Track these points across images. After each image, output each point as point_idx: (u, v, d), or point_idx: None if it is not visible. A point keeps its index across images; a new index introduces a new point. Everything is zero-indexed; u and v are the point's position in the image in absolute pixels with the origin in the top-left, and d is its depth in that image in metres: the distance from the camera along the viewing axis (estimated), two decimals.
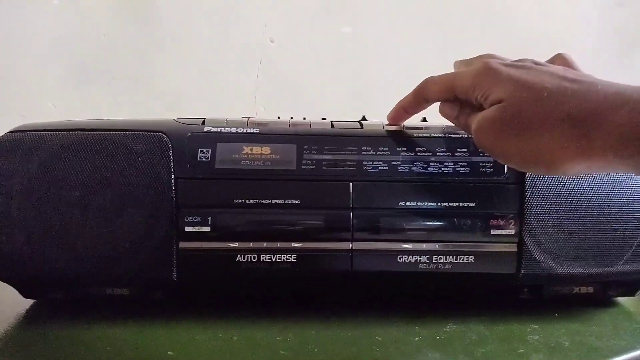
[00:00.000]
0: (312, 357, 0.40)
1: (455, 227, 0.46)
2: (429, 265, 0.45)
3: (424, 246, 0.45)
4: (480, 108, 0.39)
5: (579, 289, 0.50)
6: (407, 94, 0.47)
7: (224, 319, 0.45)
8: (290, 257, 0.45)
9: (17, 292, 0.47)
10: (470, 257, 0.46)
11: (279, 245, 0.45)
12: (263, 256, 0.44)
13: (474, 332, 0.44)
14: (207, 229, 0.44)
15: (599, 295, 0.50)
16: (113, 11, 0.79)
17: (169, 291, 0.47)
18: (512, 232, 0.46)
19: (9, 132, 0.46)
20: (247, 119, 0.49)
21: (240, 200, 0.45)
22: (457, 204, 0.46)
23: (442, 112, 0.46)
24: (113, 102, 0.75)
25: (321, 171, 0.46)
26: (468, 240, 0.46)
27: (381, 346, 0.41)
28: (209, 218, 0.44)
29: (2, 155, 0.45)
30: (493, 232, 0.46)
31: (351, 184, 0.46)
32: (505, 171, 0.47)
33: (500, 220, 0.46)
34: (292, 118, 0.51)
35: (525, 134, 0.36)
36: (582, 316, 0.48)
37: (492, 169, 0.47)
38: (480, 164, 0.47)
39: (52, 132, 0.46)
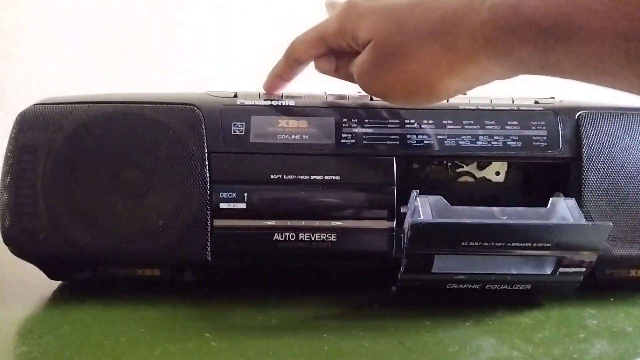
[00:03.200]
0: (357, 340, 0.37)
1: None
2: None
3: None
4: (357, 52, 0.38)
5: (636, 272, 0.47)
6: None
7: (261, 301, 0.43)
8: (330, 236, 0.42)
9: (42, 273, 0.45)
10: None
11: (318, 223, 0.42)
12: (302, 235, 0.42)
13: (527, 317, 0.41)
14: (242, 205, 0.41)
15: None
16: None
17: (201, 272, 0.44)
18: None
19: (33, 104, 0.44)
20: (281, 93, 0.46)
21: (277, 176, 0.42)
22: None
23: (319, 68, 0.43)
24: (135, 83, 0.72)
25: (362, 145, 0.43)
26: None
27: (431, 331, 0.39)
28: (245, 194, 0.42)
29: (26, 128, 0.43)
30: None
31: (394, 158, 0.43)
32: (561, 145, 0.44)
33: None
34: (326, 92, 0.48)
35: (399, 63, 0.35)
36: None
37: (545, 143, 0.44)
38: (534, 137, 0.44)
39: (78, 105, 0.44)
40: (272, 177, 0.42)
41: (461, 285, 0.41)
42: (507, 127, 0.44)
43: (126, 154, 0.42)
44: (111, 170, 0.42)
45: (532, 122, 0.44)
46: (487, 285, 0.41)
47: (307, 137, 0.43)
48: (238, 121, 0.43)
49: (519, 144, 0.44)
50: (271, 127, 0.43)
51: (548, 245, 0.38)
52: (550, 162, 0.44)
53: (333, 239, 0.42)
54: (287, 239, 0.42)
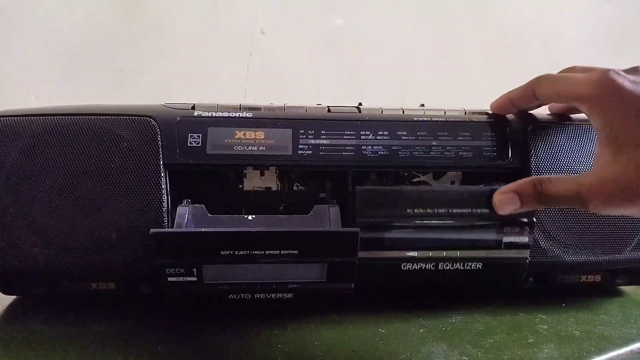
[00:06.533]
0: (314, 349, 0.37)
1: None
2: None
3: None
4: None
5: (586, 278, 0.48)
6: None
7: (214, 312, 0.43)
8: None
9: None
10: None
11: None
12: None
13: (480, 323, 0.42)
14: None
15: (606, 284, 0.49)
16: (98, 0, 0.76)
17: (157, 285, 0.44)
18: None
19: None
20: (239, 104, 0.47)
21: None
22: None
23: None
24: (98, 94, 0.72)
25: (318, 157, 0.44)
26: None
27: (384, 338, 0.39)
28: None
29: None
30: None
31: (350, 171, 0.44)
32: (510, 155, 0.45)
33: None
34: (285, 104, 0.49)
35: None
36: (590, 305, 0.47)
37: (495, 153, 0.45)
38: (484, 147, 0.45)
39: (30, 117, 0.43)
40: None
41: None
42: (459, 138, 0.45)
43: (80, 167, 0.42)
44: (65, 183, 0.42)
45: (483, 133, 0.46)
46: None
47: (263, 149, 0.44)
48: (194, 133, 0.43)
49: (470, 154, 0.45)
50: (228, 138, 0.44)
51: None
52: (500, 171, 0.45)
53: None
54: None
